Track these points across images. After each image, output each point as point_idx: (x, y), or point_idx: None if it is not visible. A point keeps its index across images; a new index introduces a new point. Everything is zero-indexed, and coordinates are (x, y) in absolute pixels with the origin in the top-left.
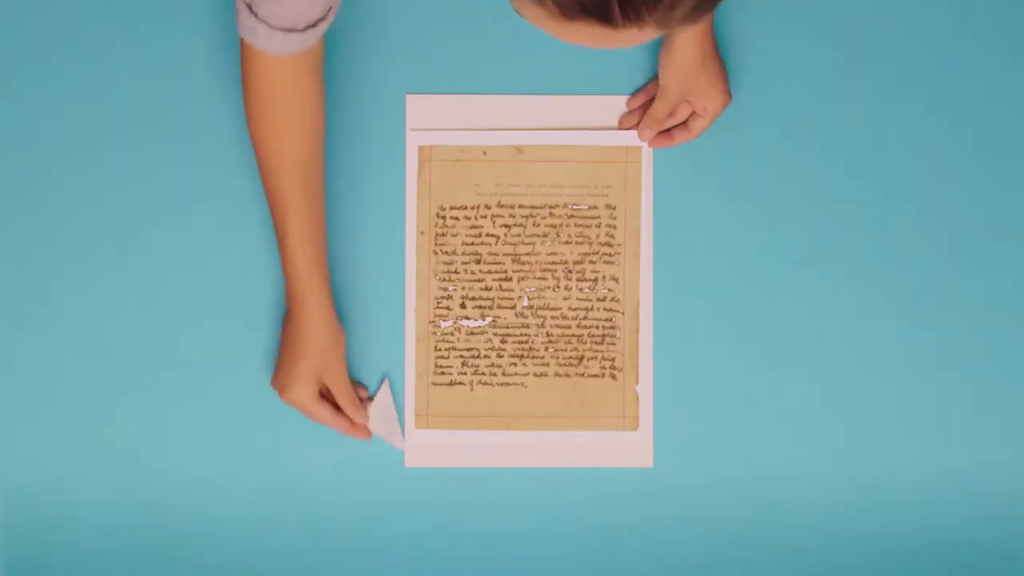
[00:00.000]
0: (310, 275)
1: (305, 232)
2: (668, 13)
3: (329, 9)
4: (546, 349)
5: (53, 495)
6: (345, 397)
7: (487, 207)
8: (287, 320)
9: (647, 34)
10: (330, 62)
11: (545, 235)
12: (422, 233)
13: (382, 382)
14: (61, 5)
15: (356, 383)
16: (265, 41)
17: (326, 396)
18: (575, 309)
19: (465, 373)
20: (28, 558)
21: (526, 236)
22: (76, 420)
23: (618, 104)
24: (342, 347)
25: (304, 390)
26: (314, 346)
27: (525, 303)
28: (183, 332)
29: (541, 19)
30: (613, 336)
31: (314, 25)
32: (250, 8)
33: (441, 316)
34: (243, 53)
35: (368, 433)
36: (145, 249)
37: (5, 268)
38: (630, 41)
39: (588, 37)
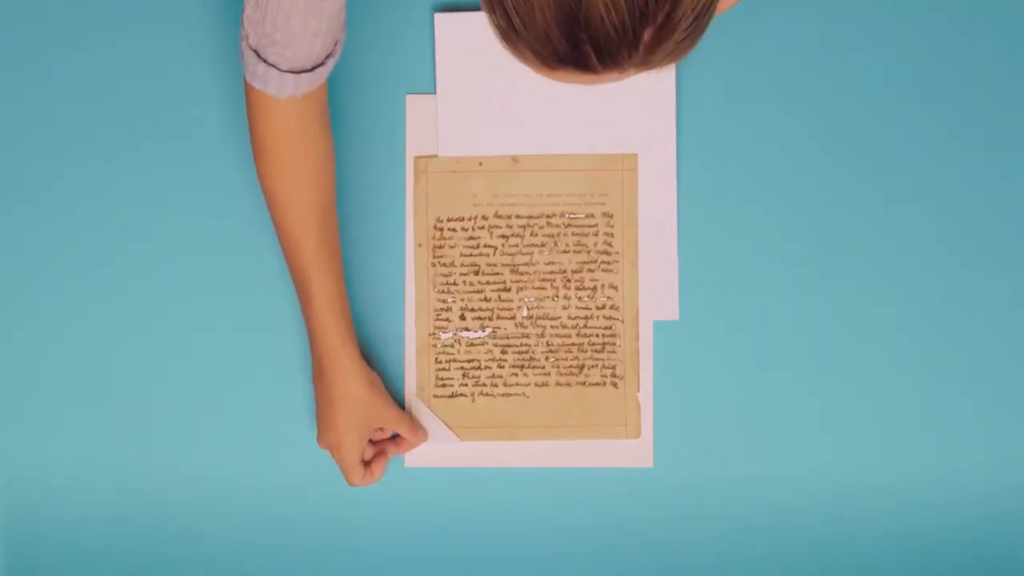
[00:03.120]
0: (337, 329)
1: (331, 287)
2: (647, 58)
3: (336, 43)
4: (546, 359)
5: (53, 495)
6: (405, 427)
7: (484, 218)
8: (319, 377)
9: (631, 74)
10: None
11: (543, 245)
12: (420, 245)
13: (409, 403)
14: (61, 6)
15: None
16: (277, 86)
17: (376, 440)
18: (574, 318)
19: (466, 384)
20: (28, 558)
21: (524, 246)
22: (76, 420)
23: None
24: (380, 386)
25: (354, 451)
26: (356, 399)
27: (524, 313)
28: (183, 331)
29: (526, 64)
30: (613, 344)
31: (323, 63)
32: (257, 54)
33: (441, 328)
34: (252, 102)
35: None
36: (146, 250)
37: (5, 268)
38: (616, 81)
39: (572, 80)
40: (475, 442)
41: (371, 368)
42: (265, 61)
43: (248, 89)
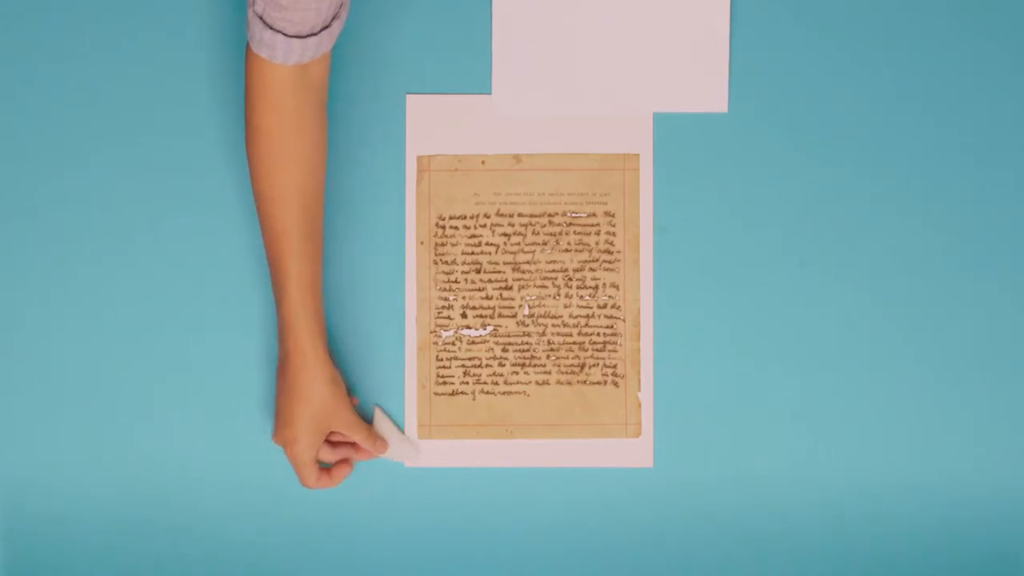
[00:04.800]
0: (308, 324)
1: (307, 277)
2: None
3: (341, 5)
4: (547, 357)
5: (53, 495)
6: (361, 435)
7: (486, 216)
8: (283, 371)
9: None
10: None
11: (545, 243)
12: (422, 243)
13: (373, 412)
14: (57, 6)
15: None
16: (284, 53)
17: (334, 442)
18: (576, 317)
19: (467, 383)
20: (28, 557)
21: (526, 245)
22: (76, 420)
23: (619, 108)
24: (343, 389)
25: (308, 449)
26: (317, 397)
27: (526, 311)
28: (183, 331)
29: None
30: (614, 343)
31: (328, 25)
32: (263, 20)
33: (442, 326)
34: (252, 77)
35: (332, 480)
36: (146, 249)
37: (4, 268)
38: None
39: None
40: (475, 440)
41: (336, 369)
42: (271, 27)
43: (250, 65)
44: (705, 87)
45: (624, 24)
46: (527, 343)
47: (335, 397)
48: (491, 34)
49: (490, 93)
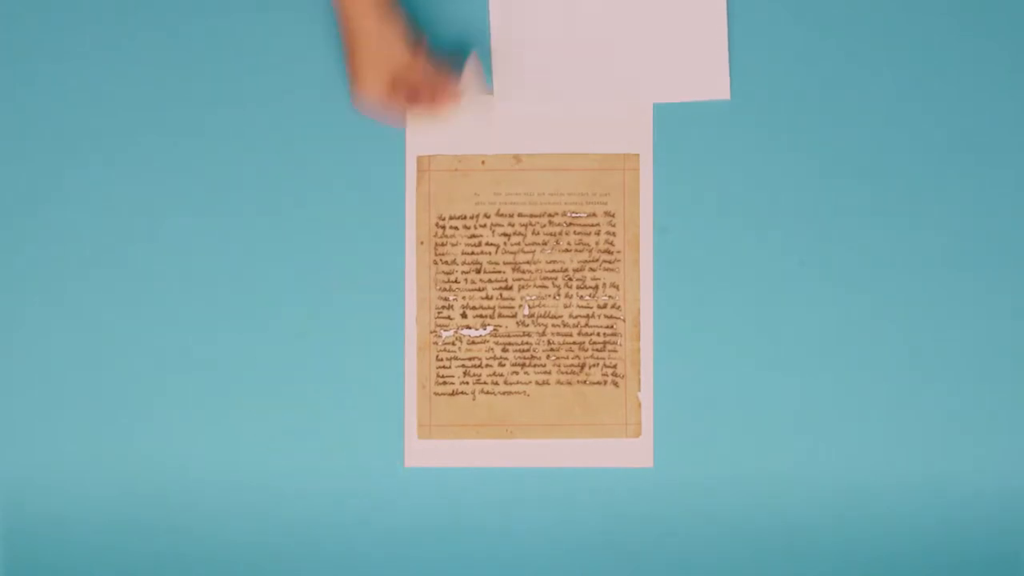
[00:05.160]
0: None
1: None
2: None
3: None
4: (547, 357)
5: (53, 494)
6: (423, 72)
7: (486, 216)
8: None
9: None
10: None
11: (545, 243)
12: (422, 243)
13: (469, 55)
14: (57, 6)
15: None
16: None
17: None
18: (576, 317)
19: (467, 383)
20: (28, 557)
21: (526, 245)
22: (76, 420)
23: (619, 107)
24: (394, 26)
25: (370, 87)
26: (365, 29)
27: (526, 311)
28: (183, 331)
29: None
30: (614, 343)
31: None
32: None
33: (442, 326)
34: None
35: (455, 97)
36: (146, 249)
37: (4, 268)
38: None
39: None
40: (475, 440)
41: (393, 10)
42: None
43: None
44: (705, 73)
45: (622, 14)
46: (527, 343)
47: (381, 29)
48: (490, 34)
49: (490, 93)
